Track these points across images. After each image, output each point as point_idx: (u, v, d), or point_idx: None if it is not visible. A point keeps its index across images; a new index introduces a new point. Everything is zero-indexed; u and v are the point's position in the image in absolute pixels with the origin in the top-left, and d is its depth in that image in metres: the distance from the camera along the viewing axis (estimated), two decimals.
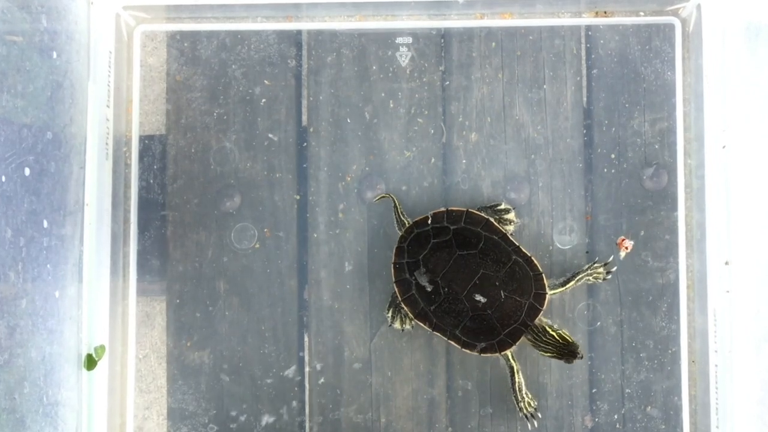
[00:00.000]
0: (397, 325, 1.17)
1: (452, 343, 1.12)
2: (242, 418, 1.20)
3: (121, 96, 1.23)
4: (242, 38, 1.24)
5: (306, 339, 1.22)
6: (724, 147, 1.16)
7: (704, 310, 1.18)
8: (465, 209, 1.14)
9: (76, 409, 1.11)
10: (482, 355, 1.11)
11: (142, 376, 1.22)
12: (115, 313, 1.20)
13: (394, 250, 1.14)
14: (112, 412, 1.19)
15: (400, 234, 1.15)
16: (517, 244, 1.12)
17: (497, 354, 1.11)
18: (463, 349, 1.12)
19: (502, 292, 1.10)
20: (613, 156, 1.22)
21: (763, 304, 1.12)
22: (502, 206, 1.17)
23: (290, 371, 1.21)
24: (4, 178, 0.89)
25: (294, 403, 1.21)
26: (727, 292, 1.15)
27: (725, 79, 1.17)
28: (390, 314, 1.17)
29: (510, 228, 1.16)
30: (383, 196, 1.20)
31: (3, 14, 0.91)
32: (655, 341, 1.20)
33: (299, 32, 1.24)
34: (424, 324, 1.12)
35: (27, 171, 0.95)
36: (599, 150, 1.22)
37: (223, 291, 1.21)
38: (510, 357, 1.13)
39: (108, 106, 1.20)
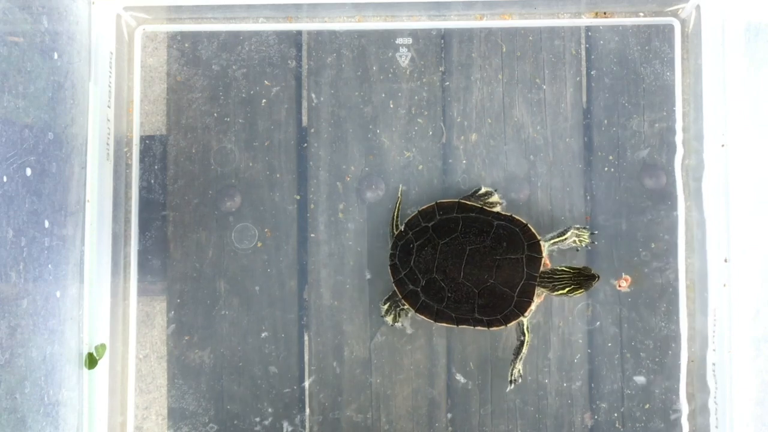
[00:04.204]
0: (388, 319, 1.18)
1: (479, 328, 1.12)
2: (242, 418, 1.21)
3: (122, 96, 1.23)
4: (242, 39, 1.24)
5: (306, 339, 1.22)
6: (723, 145, 1.17)
7: (704, 310, 1.18)
8: (435, 203, 1.14)
9: (77, 409, 1.11)
10: (509, 325, 1.11)
11: (142, 376, 1.22)
12: (115, 313, 1.20)
13: (389, 269, 1.14)
14: (113, 411, 1.19)
15: (389, 252, 1.15)
16: (495, 210, 1.12)
17: (521, 317, 1.10)
18: (491, 329, 1.11)
19: (495, 257, 1.10)
20: (612, 156, 1.22)
21: (762, 304, 1.13)
22: (483, 191, 1.18)
23: (290, 371, 1.21)
24: (5, 179, 0.89)
25: (294, 403, 1.21)
26: (724, 285, 1.15)
27: (724, 80, 1.17)
28: (386, 307, 1.17)
29: (498, 209, 1.16)
30: (399, 196, 1.21)
31: (4, 15, 0.91)
32: (655, 341, 1.20)
33: (299, 33, 1.25)
34: (448, 323, 1.12)
35: (28, 171, 0.95)
36: (599, 150, 1.22)
37: (223, 291, 1.22)
38: (526, 327, 1.14)
39: (109, 107, 1.20)
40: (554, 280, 1.10)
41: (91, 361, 1.14)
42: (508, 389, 1.18)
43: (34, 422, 0.97)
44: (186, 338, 1.22)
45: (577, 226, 1.17)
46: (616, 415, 1.20)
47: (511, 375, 1.16)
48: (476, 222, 1.12)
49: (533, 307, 1.11)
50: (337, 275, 1.22)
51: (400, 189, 1.21)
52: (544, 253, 1.11)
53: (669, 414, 1.19)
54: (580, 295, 1.10)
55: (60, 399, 1.05)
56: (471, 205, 1.14)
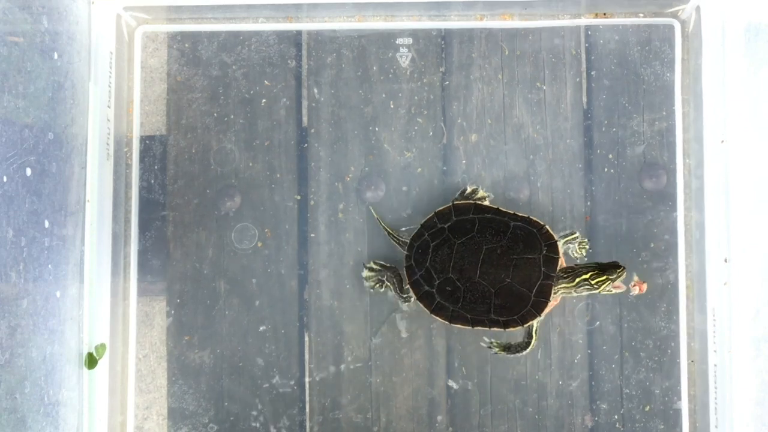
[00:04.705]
0: (368, 284, 1.19)
1: (495, 329, 1.11)
2: (242, 418, 1.21)
3: (122, 96, 1.23)
4: (243, 39, 1.24)
5: (306, 339, 1.22)
6: (723, 142, 1.17)
7: (703, 309, 1.18)
8: (451, 204, 1.14)
9: (77, 409, 1.11)
10: (525, 325, 1.10)
11: (142, 376, 1.22)
12: (115, 313, 1.20)
13: (405, 271, 1.14)
14: (113, 412, 1.19)
15: (405, 254, 1.15)
16: (512, 212, 1.12)
17: (539, 317, 1.10)
18: (507, 330, 1.11)
19: (512, 256, 1.10)
20: (612, 156, 1.22)
21: (762, 304, 1.13)
22: (469, 189, 1.19)
23: (290, 371, 1.21)
24: (5, 179, 0.89)
25: (294, 403, 1.21)
26: (725, 284, 1.15)
27: (724, 80, 1.17)
28: (371, 273, 1.19)
29: (487, 202, 1.17)
30: (377, 219, 1.21)
31: (4, 15, 0.91)
32: (655, 341, 1.20)
33: (299, 33, 1.25)
34: (463, 324, 1.12)
35: (28, 171, 0.95)
36: (599, 150, 1.22)
37: (223, 291, 1.22)
38: (534, 330, 1.13)
39: (109, 107, 1.20)
40: (576, 270, 1.09)
41: (91, 361, 1.14)
42: (483, 343, 1.18)
43: (34, 422, 0.97)
44: (186, 338, 1.22)
45: (584, 240, 1.18)
46: (616, 416, 1.20)
47: (494, 347, 1.16)
48: (492, 222, 1.11)
49: (548, 309, 1.11)
50: (337, 275, 1.22)
51: (373, 211, 1.21)
52: (560, 253, 1.11)
53: (669, 414, 1.19)
54: (602, 288, 1.08)
55: (60, 399, 1.05)
56: (487, 206, 1.14)
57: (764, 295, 1.12)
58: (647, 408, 1.20)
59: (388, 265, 1.18)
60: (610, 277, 1.07)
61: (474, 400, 1.20)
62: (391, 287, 1.17)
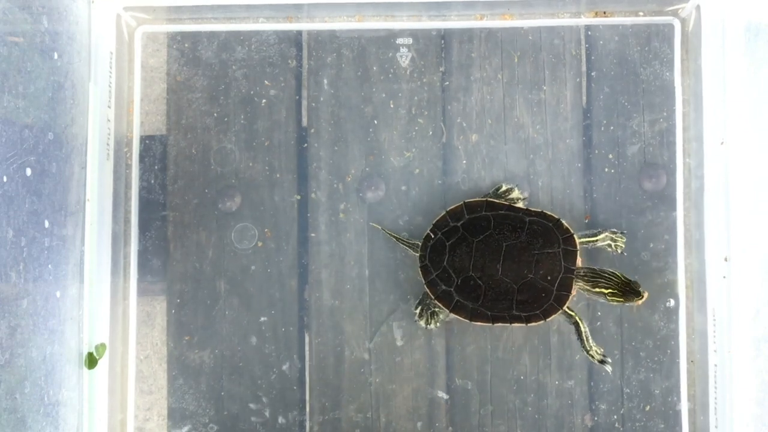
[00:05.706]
0: (422, 323, 1.17)
1: (517, 324, 1.12)
2: (242, 418, 1.21)
3: (122, 96, 1.23)
4: (243, 39, 1.24)
5: (306, 339, 1.22)
6: (722, 143, 1.17)
7: (703, 310, 1.18)
8: (462, 202, 1.14)
9: (77, 409, 1.11)
10: (547, 320, 1.11)
11: (142, 376, 1.22)
12: (115, 313, 1.20)
13: (419, 272, 1.14)
14: (113, 412, 1.19)
15: (418, 254, 1.14)
16: (525, 207, 1.12)
17: (559, 311, 1.10)
18: (529, 324, 1.11)
19: (533, 252, 1.10)
20: (612, 156, 1.22)
21: (762, 303, 1.13)
22: (503, 188, 1.18)
23: (290, 371, 1.21)
24: (5, 179, 0.89)
25: (294, 403, 1.21)
26: (724, 279, 1.15)
27: (724, 80, 1.17)
28: (418, 311, 1.17)
29: (520, 205, 1.16)
30: (381, 229, 1.20)
31: (4, 15, 0.91)
32: (654, 341, 1.20)
33: (299, 33, 1.25)
34: (483, 321, 1.12)
35: (28, 171, 0.95)
36: (598, 150, 1.22)
37: (223, 291, 1.22)
38: (570, 312, 1.13)
39: (109, 107, 1.20)
40: (598, 277, 1.10)
41: (91, 361, 1.14)
42: (609, 371, 1.17)
43: (34, 422, 0.97)
44: (186, 338, 1.22)
45: (614, 230, 1.16)
46: (615, 417, 1.20)
47: (592, 357, 1.15)
48: (507, 219, 1.12)
49: (568, 301, 1.11)
50: (338, 275, 1.22)
51: (377, 226, 1.20)
52: (578, 246, 1.11)
53: (669, 414, 1.19)
54: (615, 303, 1.11)
55: (60, 399, 1.05)
56: (499, 203, 1.13)
57: (764, 294, 1.12)
58: (647, 408, 1.20)
59: (421, 296, 1.18)
60: (628, 302, 1.10)
61: (474, 400, 1.20)
62: (437, 308, 1.16)
